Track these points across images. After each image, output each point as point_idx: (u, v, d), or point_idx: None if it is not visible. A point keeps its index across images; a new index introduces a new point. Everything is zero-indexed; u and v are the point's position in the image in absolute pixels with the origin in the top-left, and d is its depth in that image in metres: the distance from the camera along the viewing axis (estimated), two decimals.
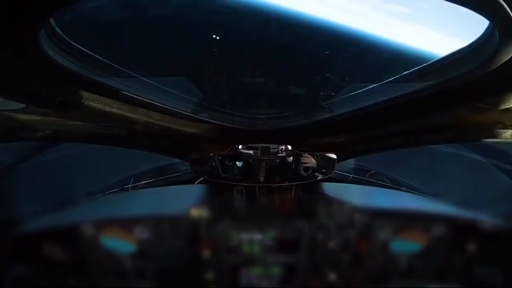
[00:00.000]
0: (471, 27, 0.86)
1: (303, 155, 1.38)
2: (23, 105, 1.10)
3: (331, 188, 1.50)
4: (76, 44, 0.93)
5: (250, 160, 1.38)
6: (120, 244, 1.23)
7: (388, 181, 1.83)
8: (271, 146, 1.35)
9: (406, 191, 1.73)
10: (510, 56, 0.79)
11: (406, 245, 1.27)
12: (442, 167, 2.02)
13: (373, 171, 1.92)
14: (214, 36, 1.48)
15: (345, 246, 1.26)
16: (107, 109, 1.12)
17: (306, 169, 1.40)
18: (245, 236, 1.25)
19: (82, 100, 1.09)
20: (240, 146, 1.35)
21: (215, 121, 1.25)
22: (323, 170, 1.39)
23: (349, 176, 1.83)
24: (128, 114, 1.15)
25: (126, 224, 1.23)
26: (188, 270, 1.27)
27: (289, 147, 1.35)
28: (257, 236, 1.25)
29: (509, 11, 0.66)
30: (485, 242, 1.23)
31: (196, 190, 1.56)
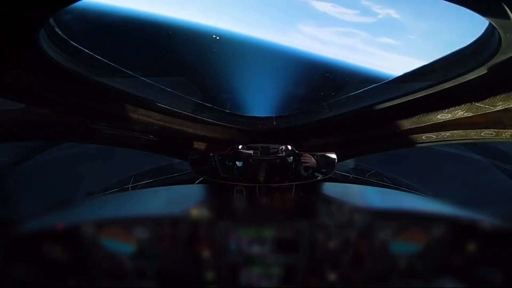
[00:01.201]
0: (471, 27, 0.86)
1: (303, 155, 1.38)
2: (23, 105, 1.10)
3: (331, 188, 1.50)
4: (76, 44, 0.93)
5: (250, 160, 1.38)
6: (120, 244, 1.23)
7: (388, 181, 1.83)
8: (271, 146, 1.35)
9: (406, 191, 1.73)
10: (510, 56, 0.79)
11: (406, 245, 1.27)
12: (442, 167, 2.02)
13: (373, 171, 1.92)
14: (214, 36, 1.48)
15: (345, 246, 1.26)
16: (107, 109, 1.12)
17: (306, 169, 1.40)
18: (245, 236, 1.25)
19: (82, 100, 1.09)
20: (240, 146, 1.35)
21: (215, 121, 1.25)
22: (323, 170, 1.38)
23: (349, 176, 1.83)
24: (128, 114, 1.15)
25: (126, 224, 1.23)
26: (188, 270, 1.27)
27: (289, 147, 1.35)
28: (257, 236, 1.25)
29: (509, 11, 0.66)
30: (485, 242, 1.23)
31: (196, 190, 1.56)
